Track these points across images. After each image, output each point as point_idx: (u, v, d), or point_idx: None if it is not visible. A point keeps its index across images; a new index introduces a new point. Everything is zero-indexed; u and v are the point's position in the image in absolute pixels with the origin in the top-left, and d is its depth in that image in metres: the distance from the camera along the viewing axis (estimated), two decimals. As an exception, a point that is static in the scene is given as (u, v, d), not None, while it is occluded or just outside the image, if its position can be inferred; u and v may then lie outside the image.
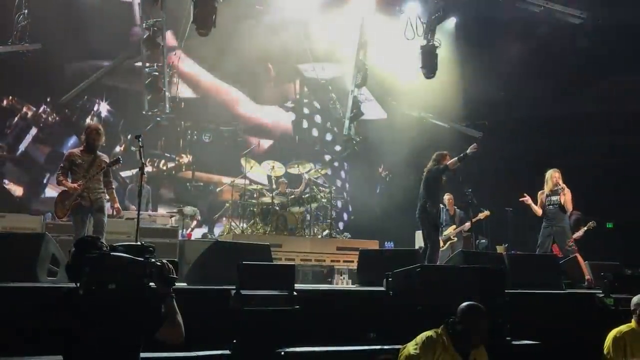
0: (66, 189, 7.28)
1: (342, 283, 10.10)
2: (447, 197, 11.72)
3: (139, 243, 3.08)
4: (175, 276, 3.03)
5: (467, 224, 11.29)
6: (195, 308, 5.07)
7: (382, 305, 5.51)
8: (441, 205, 11.60)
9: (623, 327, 5.00)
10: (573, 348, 5.49)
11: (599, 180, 20.81)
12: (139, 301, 2.93)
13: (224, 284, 5.48)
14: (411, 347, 4.15)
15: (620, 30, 14.55)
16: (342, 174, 14.25)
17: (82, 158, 7.43)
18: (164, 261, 3.02)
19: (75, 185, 7.22)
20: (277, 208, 11.52)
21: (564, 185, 9.55)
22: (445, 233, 11.45)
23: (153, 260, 3.00)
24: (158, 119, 12.90)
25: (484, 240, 12.86)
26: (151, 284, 2.98)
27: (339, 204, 15.25)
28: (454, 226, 11.44)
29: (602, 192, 20.00)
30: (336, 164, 15.23)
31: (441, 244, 11.43)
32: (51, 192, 13.12)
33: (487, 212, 11.25)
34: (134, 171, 13.88)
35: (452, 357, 4.06)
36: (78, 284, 2.86)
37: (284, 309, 4.84)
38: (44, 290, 4.97)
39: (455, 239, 11.40)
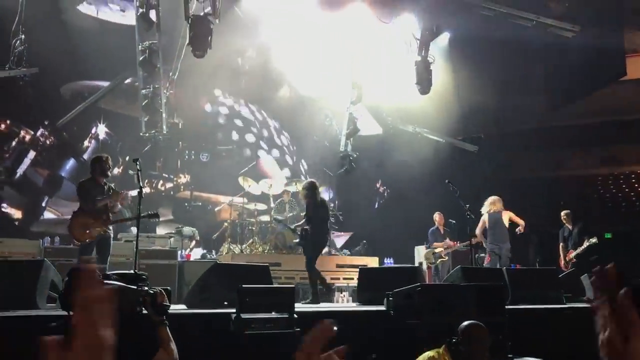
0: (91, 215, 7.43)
1: (343, 301, 10.06)
2: (437, 216, 11.80)
3: (132, 271, 3.11)
4: (168, 304, 3.05)
5: (450, 242, 11.44)
6: (196, 332, 5.09)
7: (383, 325, 5.51)
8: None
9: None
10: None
11: (597, 191, 20.94)
12: (132, 329, 2.94)
13: (224, 307, 5.49)
14: None
15: (611, 42, 14.68)
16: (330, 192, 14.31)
17: (99, 187, 7.68)
18: (157, 289, 3.04)
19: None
20: (275, 226, 11.53)
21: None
22: (436, 251, 11.48)
23: (146, 288, 3.02)
24: (159, 137, 12.91)
25: (483, 255, 12.86)
26: (144, 311, 3.00)
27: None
28: (444, 243, 11.50)
29: (599, 202, 20.11)
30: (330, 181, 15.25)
31: (432, 260, 11.51)
32: (50, 215, 13.13)
33: (478, 239, 11.30)
34: (132, 192, 13.90)
35: None
36: (71, 313, 2.87)
37: (284, 331, 4.84)
38: (43, 318, 4.95)
39: (446, 258, 11.46)
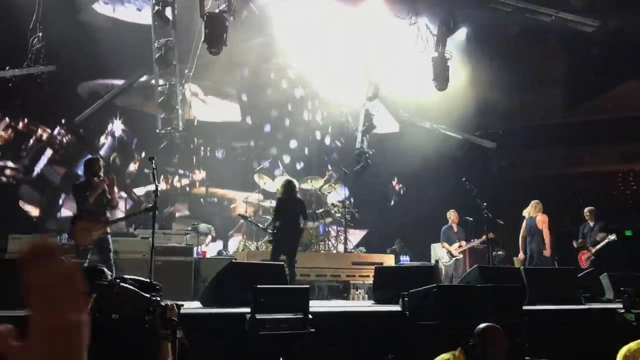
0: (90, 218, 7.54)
1: (358, 298, 10.02)
2: (451, 214, 11.69)
3: (147, 280, 3.07)
4: (176, 320, 3.01)
5: (463, 243, 11.34)
6: (210, 332, 5.08)
7: (398, 326, 5.46)
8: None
9: (633, 345, 4.86)
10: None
11: (616, 187, 20.64)
12: (136, 336, 2.92)
13: (239, 305, 5.47)
14: None
15: (632, 37, 14.42)
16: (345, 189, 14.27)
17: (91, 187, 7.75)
18: (169, 303, 3.01)
19: None
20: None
21: None
22: (451, 248, 11.40)
23: (159, 299, 2.98)
24: (175, 134, 12.95)
25: (500, 252, 12.77)
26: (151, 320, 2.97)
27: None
28: (457, 243, 11.38)
29: (619, 199, 19.82)
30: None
31: (447, 259, 11.41)
32: (67, 212, 13.22)
33: (492, 235, 11.19)
34: (148, 188, 13.98)
35: None
36: None
37: (299, 332, 4.82)
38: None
39: (460, 255, 11.37)
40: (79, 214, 7.69)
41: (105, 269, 3.14)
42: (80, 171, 13.18)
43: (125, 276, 3.13)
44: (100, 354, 2.78)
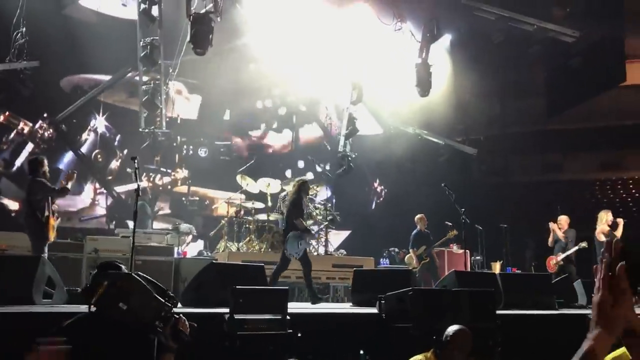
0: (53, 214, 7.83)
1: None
2: (418, 217, 11.77)
3: (164, 287, 3.08)
4: (187, 334, 2.97)
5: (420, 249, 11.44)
6: (190, 331, 5.12)
7: (375, 328, 5.55)
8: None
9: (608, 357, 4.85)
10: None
11: (594, 195, 20.99)
12: (141, 336, 2.90)
13: (219, 306, 5.52)
14: None
15: (611, 48, 14.72)
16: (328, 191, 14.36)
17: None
18: (183, 317, 2.99)
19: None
20: (273, 225, 11.56)
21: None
22: (418, 253, 11.48)
23: (173, 308, 2.97)
24: (158, 132, 12.94)
25: (479, 257, 12.92)
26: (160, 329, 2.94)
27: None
28: (424, 247, 11.47)
29: (596, 208, 20.13)
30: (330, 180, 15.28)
31: (415, 263, 11.49)
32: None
33: (454, 232, 11.29)
34: (129, 187, 13.94)
35: None
36: (92, 309, 2.87)
37: (278, 332, 4.88)
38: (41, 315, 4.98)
39: (428, 259, 11.47)
40: (39, 210, 7.73)
41: (123, 266, 3.14)
42: (62, 166, 13.17)
43: (142, 274, 3.13)
44: (103, 345, 2.82)
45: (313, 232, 8.83)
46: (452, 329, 4.24)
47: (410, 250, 11.70)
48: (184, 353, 4.87)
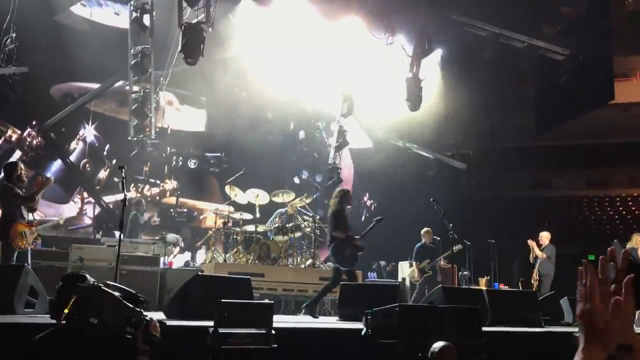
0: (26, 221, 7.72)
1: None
2: (424, 230, 11.78)
3: (132, 291, 3.05)
4: (158, 336, 2.97)
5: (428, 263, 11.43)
6: (173, 344, 5.05)
7: (361, 344, 5.51)
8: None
9: None
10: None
11: (582, 212, 21.11)
12: (114, 346, 2.89)
13: (204, 318, 5.46)
14: None
15: (600, 66, 14.86)
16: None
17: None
18: (154, 318, 2.98)
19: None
20: (260, 236, 11.51)
21: None
22: (420, 266, 11.48)
23: (142, 312, 2.96)
24: (147, 142, 12.87)
25: (466, 272, 12.91)
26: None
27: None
28: (428, 260, 11.46)
29: (583, 224, 20.27)
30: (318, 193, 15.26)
31: (417, 276, 11.47)
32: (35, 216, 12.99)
33: (459, 246, 11.30)
34: (118, 197, 13.83)
35: None
36: (62, 322, 2.83)
37: (262, 347, 4.83)
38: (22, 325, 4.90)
39: (430, 272, 11.43)
40: (10, 217, 7.63)
41: (88, 275, 3.09)
42: (49, 174, 13.04)
43: (110, 282, 3.09)
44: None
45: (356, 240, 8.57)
46: (437, 345, 4.22)
47: (413, 263, 11.66)
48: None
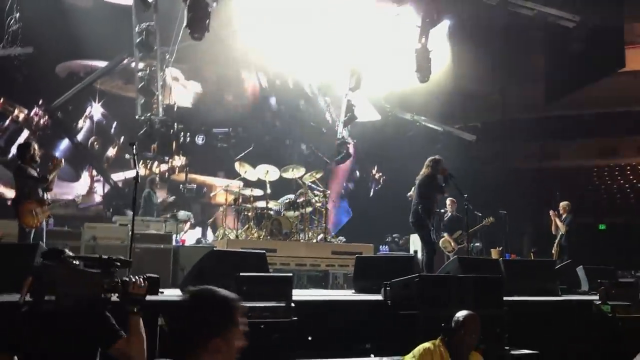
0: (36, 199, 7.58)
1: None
2: (449, 200, 11.72)
3: (105, 256, 3.00)
4: (142, 294, 2.94)
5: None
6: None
7: (379, 315, 5.49)
8: (442, 210, 11.64)
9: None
10: (571, 357, 5.48)
11: (592, 182, 20.98)
12: (90, 315, 2.86)
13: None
14: (408, 357, 4.16)
15: (611, 33, 14.62)
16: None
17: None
18: (133, 277, 2.94)
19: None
20: (272, 212, 11.48)
21: None
22: (454, 236, 11.44)
23: (114, 274, 2.93)
24: (155, 119, 12.78)
25: (478, 244, 12.85)
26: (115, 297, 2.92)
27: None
28: (460, 231, 11.40)
29: (594, 194, 20.15)
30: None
31: (453, 246, 11.43)
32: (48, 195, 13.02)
33: (491, 219, 11.25)
34: (126, 175, 13.83)
35: None
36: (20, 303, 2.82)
37: (282, 320, 4.81)
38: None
39: (464, 243, 11.38)
40: (22, 196, 7.61)
41: (67, 250, 3.03)
42: (58, 153, 13.04)
43: (71, 254, 3.01)
44: (50, 340, 2.75)
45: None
46: (461, 314, 4.18)
47: (445, 235, 11.61)
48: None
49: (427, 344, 4.18)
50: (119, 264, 3.01)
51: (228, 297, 2.14)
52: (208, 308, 2.09)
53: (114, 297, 3.00)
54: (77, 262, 2.92)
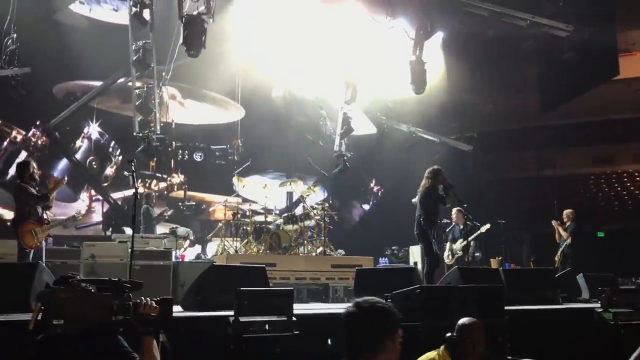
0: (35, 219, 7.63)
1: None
2: (455, 210, 11.73)
3: (115, 279, 2.99)
4: (154, 315, 2.92)
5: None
6: (193, 335, 5.04)
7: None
8: (446, 220, 11.65)
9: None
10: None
11: (589, 190, 21.03)
12: (100, 338, 2.85)
13: (221, 309, 5.44)
14: None
15: (604, 42, 14.73)
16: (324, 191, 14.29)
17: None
18: (144, 300, 2.93)
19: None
20: (271, 227, 11.48)
21: None
22: (454, 247, 11.44)
23: (125, 296, 2.91)
24: (152, 137, 12.81)
25: (478, 254, 12.85)
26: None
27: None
28: (462, 240, 11.40)
29: (591, 201, 20.20)
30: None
31: (450, 259, 11.42)
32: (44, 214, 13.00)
33: (487, 226, 11.27)
34: (125, 193, 13.83)
35: None
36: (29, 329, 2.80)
37: (284, 334, 4.81)
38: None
39: (461, 252, 11.38)
40: (22, 216, 7.63)
41: (73, 276, 3.02)
42: (56, 174, 13.03)
43: (80, 277, 3.01)
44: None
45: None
46: (465, 321, 4.16)
47: (448, 245, 11.63)
48: (188, 357, 4.80)
49: (431, 354, 4.17)
50: (129, 285, 3.01)
51: (392, 306, 2.56)
52: (382, 315, 2.50)
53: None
54: (86, 286, 2.92)
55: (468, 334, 4.09)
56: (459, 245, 11.37)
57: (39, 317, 2.75)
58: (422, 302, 5.08)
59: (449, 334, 4.14)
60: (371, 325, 2.47)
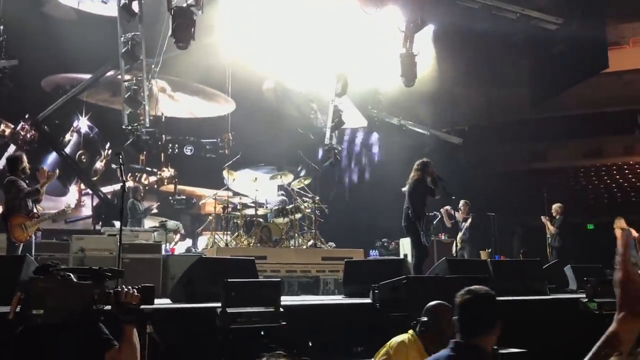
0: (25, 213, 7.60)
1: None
2: (462, 202, 11.85)
3: (95, 267, 2.98)
4: (134, 304, 2.90)
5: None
6: (181, 327, 5.05)
7: (368, 318, 5.50)
8: (434, 213, 11.71)
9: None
10: (559, 354, 5.52)
11: (579, 183, 21.14)
12: (81, 327, 2.84)
13: (210, 301, 5.45)
14: (382, 352, 4.12)
15: (594, 35, 14.78)
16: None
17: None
18: (125, 287, 2.91)
19: None
20: (261, 219, 11.48)
21: None
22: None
23: (105, 285, 2.90)
24: (142, 130, 12.75)
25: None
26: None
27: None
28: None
29: (581, 194, 20.32)
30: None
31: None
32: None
33: (469, 219, 11.36)
34: (115, 187, 13.77)
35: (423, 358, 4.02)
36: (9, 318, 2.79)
37: (271, 325, 4.82)
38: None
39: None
40: (11, 209, 7.60)
41: (53, 265, 3.01)
42: (45, 167, 12.90)
43: (62, 266, 2.99)
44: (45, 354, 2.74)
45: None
46: (434, 305, 4.09)
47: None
48: (176, 348, 4.81)
49: (400, 338, 4.09)
50: (110, 274, 3.00)
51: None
52: (492, 301, 3.02)
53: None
54: (67, 275, 2.91)
55: (437, 317, 4.06)
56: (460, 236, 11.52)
57: (19, 308, 2.75)
58: (408, 292, 5.10)
59: (418, 318, 4.10)
60: (488, 309, 2.98)
